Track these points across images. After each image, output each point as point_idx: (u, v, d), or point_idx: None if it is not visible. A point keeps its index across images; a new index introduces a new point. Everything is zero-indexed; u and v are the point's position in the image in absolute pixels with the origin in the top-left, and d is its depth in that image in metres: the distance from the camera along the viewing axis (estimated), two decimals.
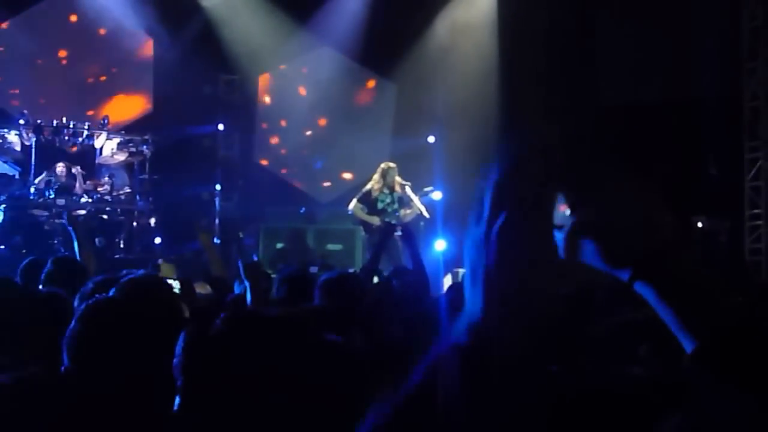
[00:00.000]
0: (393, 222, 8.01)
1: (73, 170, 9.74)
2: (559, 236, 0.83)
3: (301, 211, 10.79)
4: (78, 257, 4.76)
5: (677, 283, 0.80)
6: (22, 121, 9.77)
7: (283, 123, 12.55)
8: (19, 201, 9.32)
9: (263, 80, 12.41)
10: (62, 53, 11.56)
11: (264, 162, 12.58)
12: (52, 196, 9.36)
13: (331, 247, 10.39)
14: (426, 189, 8.77)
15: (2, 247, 8.89)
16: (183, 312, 2.81)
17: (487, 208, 0.83)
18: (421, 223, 8.85)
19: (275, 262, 9.67)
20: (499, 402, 0.79)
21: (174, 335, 1.64)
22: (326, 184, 12.45)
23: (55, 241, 8.98)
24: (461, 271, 7.89)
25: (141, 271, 3.31)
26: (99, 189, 9.89)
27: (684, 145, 9.75)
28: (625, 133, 9.54)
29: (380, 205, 8.49)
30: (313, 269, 6.16)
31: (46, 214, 9.32)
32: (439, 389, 0.81)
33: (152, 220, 10.29)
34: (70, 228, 5.26)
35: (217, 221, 11.31)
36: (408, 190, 8.49)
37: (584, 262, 0.83)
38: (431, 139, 11.24)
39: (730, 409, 0.76)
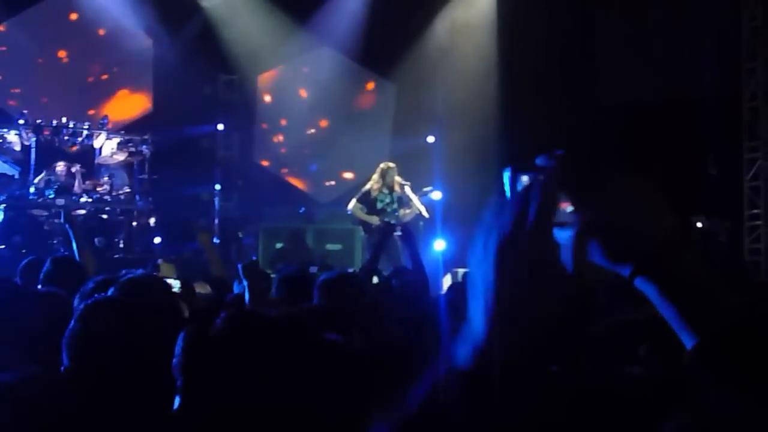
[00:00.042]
0: (392, 222, 8.01)
1: (73, 169, 9.74)
2: (562, 234, 0.83)
3: (301, 211, 10.79)
4: (77, 256, 4.76)
5: (678, 279, 0.81)
6: (21, 121, 9.77)
7: (283, 122, 12.55)
8: (18, 201, 9.32)
9: (263, 80, 12.41)
10: (63, 52, 11.56)
11: (264, 162, 12.58)
12: (52, 195, 9.36)
13: (330, 247, 10.39)
14: (425, 189, 8.77)
15: (2, 246, 8.88)
16: (182, 312, 2.81)
17: (492, 229, 0.83)
18: (421, 223, 8.85)
19: (275, 262, 9.67)
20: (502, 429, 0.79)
21: (173, 335, 1.64)
22: (327, 183, 12.45)
23: (55, 241, 8.98)
24: (461, 270, 7.90)
25: (140, 271, 3.31)
26: (98, 189, 9.88)
27: (683, 145, 9.75)
28: (624, 133, 9.54)
29: (379, 205, 8.48)
30: (313, 269, 6.16)
31: (46, 213, 9.32)
32: (440, 414, 0.81)
33: (152, 220, 10.28)
34: (67, 226, 5.25)
35: (216, 221, 11.30)
36: (407, 189, 8.49)
37: (588, 260, 0.83)
38: (431, 139, 11.24)
39: (730, 408, 0.76)
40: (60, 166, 9.69)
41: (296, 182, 12.59)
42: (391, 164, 8.60)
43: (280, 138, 12.70)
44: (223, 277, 4.72)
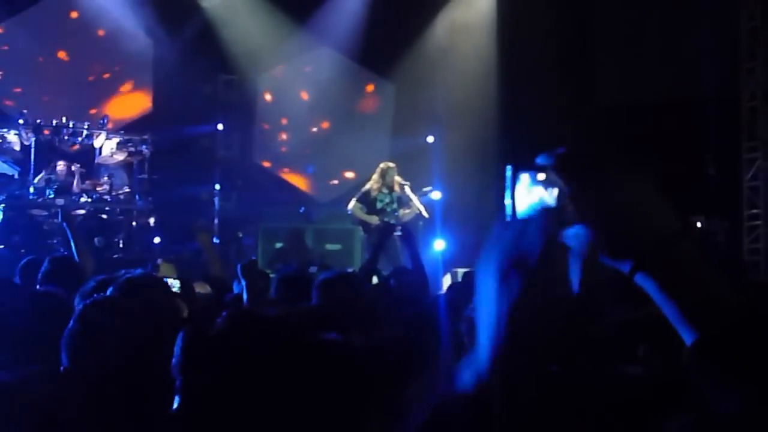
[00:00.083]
0: (392, 222, 8.01)
1: (73, 168, 9.74)
2: (568, 233, 0.84)
3: (300, 211, 10.80)
4: (75, 255, 4.75)
5: (678, 275, 0.81)
6: (21, 121, 9.76)
7: (283, 122, 12.55)
8: (18, 200, 9.31)
9: (263, 80, 12.41)
10: (63, 51, 11.56)
11: (263, 162, 12.58)
12: (52, 195, 9.35)
13: (330, 246, 10.39)
14: (425, 189, 8.77)
15: (1, 246, 8.88)
16: (181, 311, 2.81)
17: (502, 260, 0.83)
18: (420, 223, 8.85)
19: (274, 261, 9.67)
20: None
21: (172, 335, 1.63)
22: (326, 183, 12.45)
23: (55, 241, 8.97)
24: (460, 270, 7.90)
25: (138, 271, 3.30)
26: (98, 189, 9.88)
27: (682, 145, 9.76)
28: (623, 133, 9.55)
29: (379, 205, 8.48)
30: (313, 269, 6.16)
31: (45, 213, 9.31)
32: None
33: (151, 220, 10.28)
34: (64, 225, 5.25)
35: (216, 221, 11.30)
36: (407, 189, 8.48)
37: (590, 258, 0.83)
38: (430, 139, 11.24)
39: (730, 405, 0.76)
40: (60, 166, 9.68)
41: (296, 182, 12.59)
42: (391, 164, 8.60)
43: (280, 138, 12.70)
44: (222, 277, 4.72)
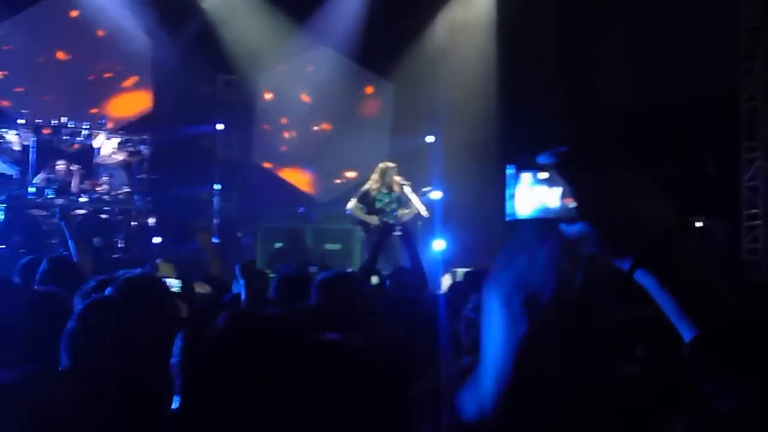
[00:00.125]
0: (391, 222, 8.01)
1: (72, 168, 9.74)
2: (569, 229, 0.84)
3: (300, 211, 10.79)
4: (74, 255, 4.75)
5: (677, 271, 0.81)
6: (21, 121, 9.77)
7: (283, 122, 12.56)
8: (17, 200, 9.31)
9: (263, 80, 12.41)
10: (63, 51, 11.56)
11: (263, 162, 12.58)
12: (51, 195, 9.36)
13: (329, 246, 10.39)
14: (425, 189, 8.76)
15: (1, 246, 8.88)
16: (181, 311, 2.81)
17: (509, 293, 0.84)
18: (419, 223, 8.85)
19: (274, 261, 9.67)
20: None
21: (172, 334, 1.64)
22: (325, 183, 12.45)
23: (54, 241, 8.97)
24: (460, 270, 7.90)
25: (138, 271, 3.30)
26: (97, 189, 9.88)
27: (682, 145, 9.76)
28: (622, 132, 9.55)
29: (379, 205, 8.48)
30: (312, 269, 6.16)
31: (45, 213, 9.31)
32: None
33: (151, 220, 10.28)
34: (62, 224, 5.24)
35: (215, 221, 11.30)
36: (407, 189, 8.48)
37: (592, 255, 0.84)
38: (430, 138, 11.24)
39: (730, 403, 0.76)
40: (60, 166, 9.69)
41: (295, 182, 12.59)
42: (391, 164, 8.59)
43: (280, 138, 12.70)
44: (221, 277, 4.72)
